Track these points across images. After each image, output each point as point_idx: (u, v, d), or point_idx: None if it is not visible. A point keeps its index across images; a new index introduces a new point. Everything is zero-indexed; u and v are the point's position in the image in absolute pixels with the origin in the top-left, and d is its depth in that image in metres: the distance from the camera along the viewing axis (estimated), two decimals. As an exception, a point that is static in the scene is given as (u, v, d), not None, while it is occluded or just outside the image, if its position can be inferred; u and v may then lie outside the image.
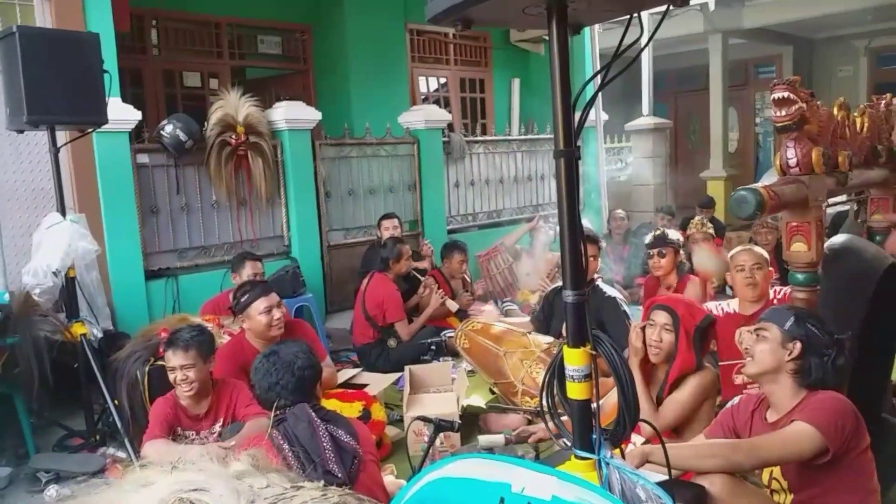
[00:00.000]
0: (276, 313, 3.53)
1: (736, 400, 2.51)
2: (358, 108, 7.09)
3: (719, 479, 2.07)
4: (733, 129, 12.34)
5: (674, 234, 4.65)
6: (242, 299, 3.54)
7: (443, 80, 8.72)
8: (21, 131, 3.74)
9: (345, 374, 4.39)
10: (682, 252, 4.69)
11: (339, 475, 2.14)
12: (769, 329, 2.25)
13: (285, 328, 3.62)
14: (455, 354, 4.57)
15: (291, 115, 5.43)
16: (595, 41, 7.69)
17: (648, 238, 4.66)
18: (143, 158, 4.84)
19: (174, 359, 3.00)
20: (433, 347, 4.70)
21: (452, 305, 5.21)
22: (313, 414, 2.29)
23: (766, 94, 10.18)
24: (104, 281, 4.52)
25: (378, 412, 3.65)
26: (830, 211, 4.68)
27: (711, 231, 5.33)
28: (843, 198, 3.22)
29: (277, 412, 2.32)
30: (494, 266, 6.32)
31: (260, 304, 3.50)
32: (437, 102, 8.25)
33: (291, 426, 2.23)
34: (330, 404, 3.48)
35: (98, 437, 3.71)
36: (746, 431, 2.31)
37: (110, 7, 4.64)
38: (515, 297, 6.03)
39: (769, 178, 3.01)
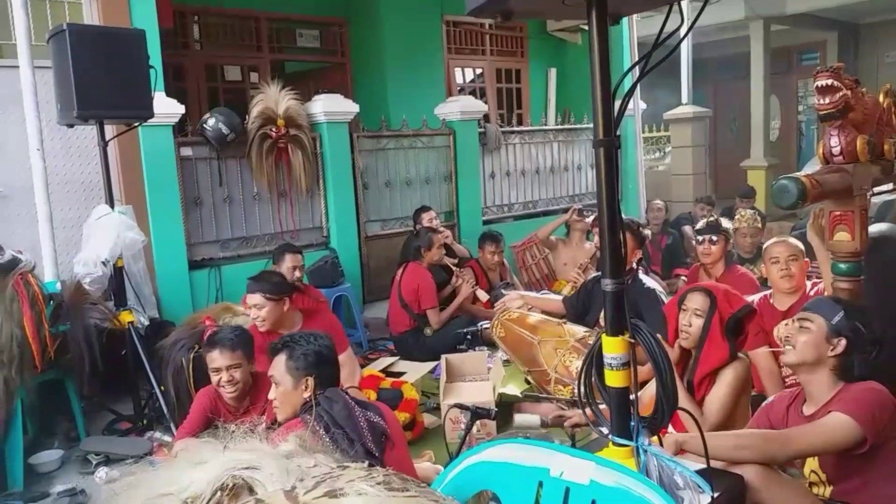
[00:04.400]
0: (254, 312, 3.56)
1: (771, 398, 2.49)
2: (395, 100, 7.12)
3: (753, 469, 2.06)
4: (775, 118, 12.08)
5: (726, 223, 4.58)
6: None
7: (479, 71, 8.70)
8: (71, 126, 3.85)
9: (382, 363, 4.47)
10: (731, 242, 4.63)
11: (377, 454, 2.19)
12: (814, 321, 2.21)
13: (306, 315, 3.75)
14: (490, 344, 4.60)
15: (330, 107, 5.49)
16: (633, 30, 7.60)
17: (700, 224, 4.56)
18: (187, 151, 4.95)
19: (220, 359, 2.97)
20: (469, 337, 4.74)
21: (483, 295, 5.26)
22: (346, 396, 2.34)
23: (810, 81, 9.90)
24: (150, 270, 4.64)
25: (410, 391, 3.71)
26: (876, 200, 4.56)
27: (760, 225, 5.23)
28: (888, 186, 3.14)
29: (308, 398, 2.35)
30: (530, 257, 6.32)
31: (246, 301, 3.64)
32: (473, 93, 8.24)
33: (327, 408, 2.27)
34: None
35: (145, 422, 3.83)
36: (783, 427, 2.28)
37: (154, 4, 4.75)
38: (552, 287, 6.02)
39: (812, 168, 2.96)
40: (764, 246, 3.60)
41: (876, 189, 2.90)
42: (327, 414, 2.25)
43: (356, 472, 1.11)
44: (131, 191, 4.70)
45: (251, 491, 1.00)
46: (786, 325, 2.39)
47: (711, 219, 4.54)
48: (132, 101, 3.70)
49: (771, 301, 3.46)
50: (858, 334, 2.14)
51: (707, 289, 2.82)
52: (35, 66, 4.06)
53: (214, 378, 3.00)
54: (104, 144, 3.79)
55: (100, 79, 3.53)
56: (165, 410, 3.60)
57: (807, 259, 3.45)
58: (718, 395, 2.69)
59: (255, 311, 3.53)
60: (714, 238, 4.35)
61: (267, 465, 1.10)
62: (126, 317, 3.82)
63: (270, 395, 2.44)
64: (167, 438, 3.59)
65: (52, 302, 3.66)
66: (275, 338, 2.75)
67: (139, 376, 3.81)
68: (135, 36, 3.76)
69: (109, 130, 3.99)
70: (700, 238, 4.44)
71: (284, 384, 2.38)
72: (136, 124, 4.07)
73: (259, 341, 3.29)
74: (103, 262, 3.77)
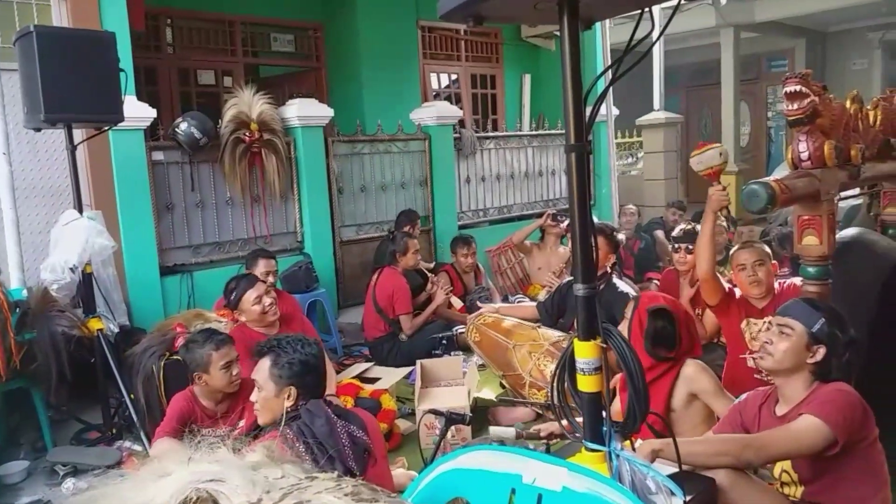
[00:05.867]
0: (267, 300, 3.71)
1: (743, 397, 2.51)
2: (370, 104, 7.11)
3: (723, 472, 2.06)
4: (745, 124, 12.28)
5: None
6: (232, 297, 3.76)
7: (454, 77, 8.72)
8: (38, 129, 3.77)
9: (357, 368, 4.44)
10: None
11: (358, 472, 2.15)
12: (795, 328, 2.20)
13: (281, 321, 3.81)
14: (465, 349, 4.60)
15: (304, 112, 5.45)
16: (606, 36, 7.67)
17: (677, 231, 4.51)
18: (159, 156, 4.88)
19: (233, 351, 3.08)
20: (444, 342, 4.73)
21: (457, 302, 5.26)
22: (329, 410, 2.30)
23: (779, 87, 10.08)
24: (120, 277, 4.57)
25: (388, 402, 3.70)
26: (844, 205, 4.62)
27: (725, 224, 5.28)
28: (855, 191, 3.19)
29: (289, 409, 2.32)
30: (505, 261, 6.33)
31: (250, 296, 3.70)
32: (448, 99, 8.26)
33: (307, 422, 2.23)
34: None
35: (114, 431, 3.75)
36: (755, 427, 2.30)
37: (126, 6, 4.68)
38: (527, 291, 6.04)
39: (781, 173, 3.00)
40: (730, 253, 3.60)
41: (843, 193, 2.95)
42: (308, 429, 2.20)
43: (324, 483, 1.09)
44: (101, 196, 4.62)
45: (215, 504, 0.98)
46: (767, 328, 2.37)
47: (689, 227, 4.47)
48: (102, 104, 3.63)
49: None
50: (836, 340, 2.16)
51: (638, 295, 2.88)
52: (1, 68, 3.98)
53: (226, 376, 3.05)
54: (72, 149, 3.72)
55: (68, 82, 3.46)
56: (135, 419, 3.53)
57: (774, 262, 3.46)
58: (719, 409, 2.66)
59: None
60: (690, 247, 4.31)
61: (232, 477, 1.07)
62: (95, 324, 3.75)
63: (252, 398, 2.40)
64: (137, 448, 3.54)
65: (17, 309, 3.58)
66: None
67: (108, 384, 3.74)
68: (105, 38, 3.70)
69: (78, 134, 3.91)
70: (677, 246, 4.42)
71: (266, 390, 2.34)
72: (106, 128, 4.00)
73: (240, 346, 3.28)
74: (71, 269, 3.70)
